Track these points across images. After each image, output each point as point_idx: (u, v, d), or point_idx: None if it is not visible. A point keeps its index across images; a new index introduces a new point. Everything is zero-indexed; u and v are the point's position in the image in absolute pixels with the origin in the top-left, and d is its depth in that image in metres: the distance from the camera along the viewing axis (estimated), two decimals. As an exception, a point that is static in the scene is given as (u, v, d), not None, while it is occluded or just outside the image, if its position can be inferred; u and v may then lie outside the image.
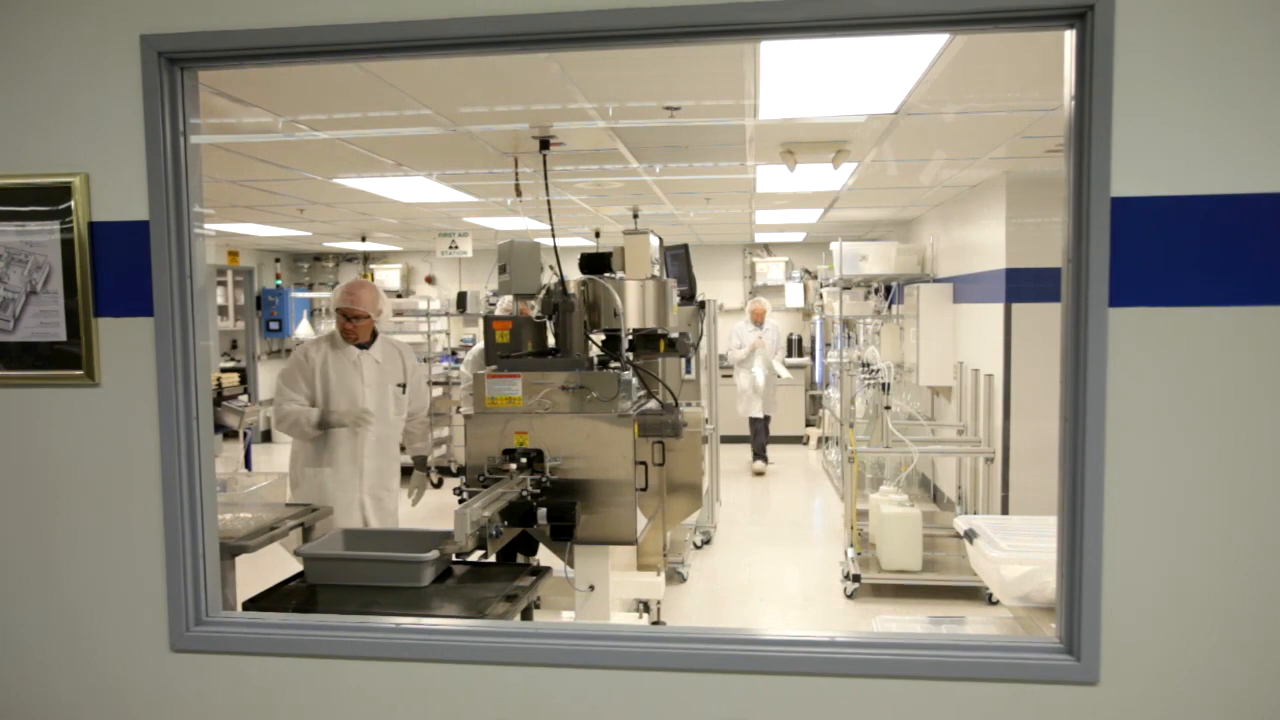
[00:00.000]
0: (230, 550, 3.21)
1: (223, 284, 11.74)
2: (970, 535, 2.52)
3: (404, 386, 4.43)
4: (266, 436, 11.56)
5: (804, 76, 3.42)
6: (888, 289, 9.24)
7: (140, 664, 2.13)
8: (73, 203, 2.04)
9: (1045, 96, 3.75)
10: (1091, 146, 1.77)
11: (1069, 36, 1.82)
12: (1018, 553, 2.38)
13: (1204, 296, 1.76)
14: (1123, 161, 1.76)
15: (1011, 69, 3.39)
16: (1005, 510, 5.75)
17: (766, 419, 9.69)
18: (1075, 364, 1.83)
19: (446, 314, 10.80)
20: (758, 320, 9.65)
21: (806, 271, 11.73)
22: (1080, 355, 1.82)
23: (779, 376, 9.62)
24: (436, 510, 8.00)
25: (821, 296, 10.25)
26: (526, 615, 3.25)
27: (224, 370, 9.69)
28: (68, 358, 2.08)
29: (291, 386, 4.15)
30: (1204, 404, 1.79)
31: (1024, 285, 5.66)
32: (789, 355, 11.78)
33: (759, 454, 9.72)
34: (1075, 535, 1.85)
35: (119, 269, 2.07)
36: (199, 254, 2.11)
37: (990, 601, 5.29)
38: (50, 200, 2.05)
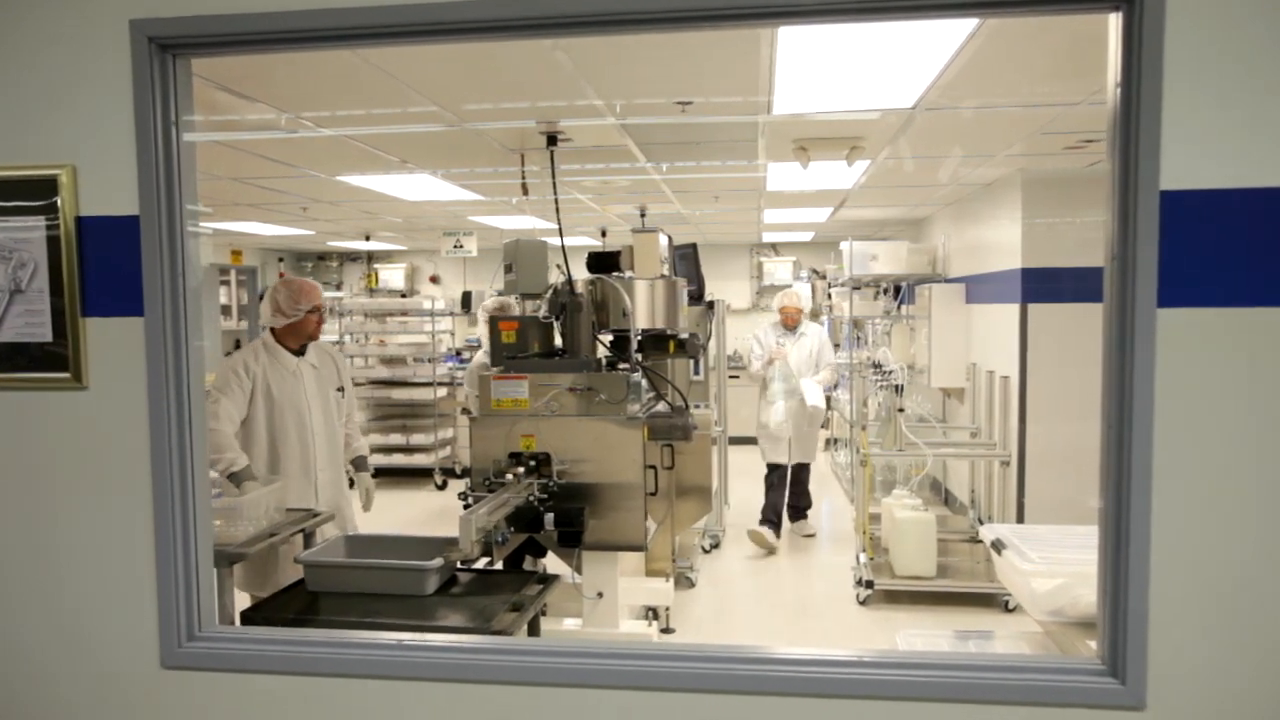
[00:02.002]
0: (228, 558, 3.11)
1: (226, 283, 11.64)
2: (998, 546, 2.42)
3: (342, 390, 4.14)
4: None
5: (821, 69, 3.31)
6: (897, 289, 9.12)
7: (130, 681, 2.03)
8: (59, 197, 1.94)
9: (1069, 90, 3.64)
10: (1139, 137, 1.66)
11: (1114, 20, 1.71)
12: (1049, 565, 2.27)
13: (1261, 296, 1.65)
14: (1173, 152, 1.65)
15: (1036, 62, 3.28)
16: (1021, 515, 5.64)
17: (800, 468, 6.82)
18: (1120, 368, 1.72)
19: (451, 314, 10.71)
20: (790, 324, 6.84)
21: (814, 271, 11.62)
22: (1126, 359, 1.71)
23: (812, 407, 6.55)
24: (440, 514, 7.94)
25: (830, 297, 10.14)
26: (534, 624, 3.16)
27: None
28: (54, 359, 1.98)
29: (228, 398, 3.69)
30: (1260, 411, 1.67)
31: (1041, 285, 5.54)
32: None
33: (796, 513, 6.96)
34: (1119, 548, 1.74)
35: (108, 266, 1.96)
36: (192, 250, 2.00)
37: (1007, 609, 5.18)
38: (35, 194, 1.95)
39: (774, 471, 6.78)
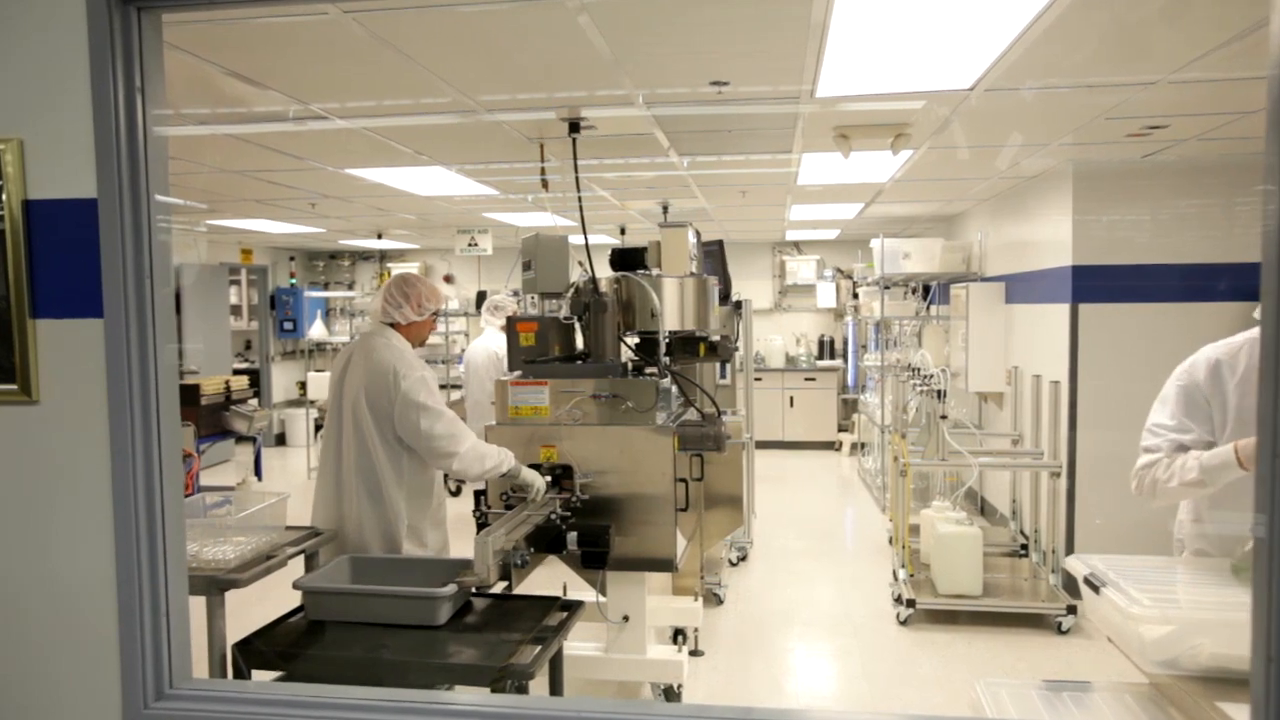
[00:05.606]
0: (219, 585, 2.82)
1: (236, 283, 11.43)
2: (1094, 583, 2.09)
3: None
4: (280, 440, 11.23)
5: (877, 42, 2.99)
6: (926, 289, 8.77)
7: (88, 746, 1.73)
8: (3, 177, 1.64)
9: (1147, 69, 3.30)
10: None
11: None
12: (1161, 607, 1.94)
13: None
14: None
15: (1118, 33, 2.94)
16: (1071, 528, 5.29)
17: None
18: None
19: (466, 314, 10.45)
20: None
21: (839, 271, 11.26)
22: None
23: None
24: (452, 523, 7.61)
25: (856, 296, 9.79)
26: (556, 659, 2.85)
27: (235, 372, 9.36)
28: (-2, 369, 1.68)
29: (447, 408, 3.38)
30: None
31: (1094, 284, 5.18)
32: (820, 357, 11.29)
33: None
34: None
35: (61, 259, 1.67)
36: (162, 240, 1.70)
37: (1060, 631, 4.83)
38: (-25, 173, 1.65)
39: None
